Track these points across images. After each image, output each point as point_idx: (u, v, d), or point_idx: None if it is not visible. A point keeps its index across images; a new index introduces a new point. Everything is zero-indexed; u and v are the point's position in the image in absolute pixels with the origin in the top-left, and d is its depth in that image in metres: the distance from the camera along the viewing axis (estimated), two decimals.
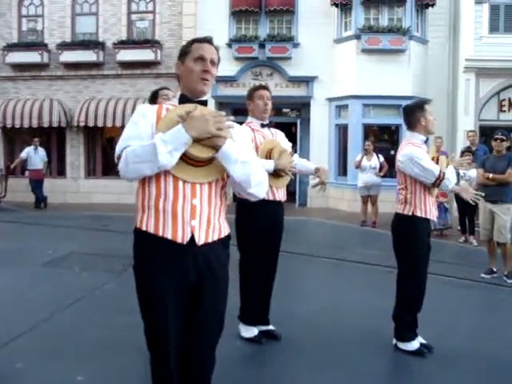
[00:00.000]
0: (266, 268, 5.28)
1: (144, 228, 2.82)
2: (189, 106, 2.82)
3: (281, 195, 5.19)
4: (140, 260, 2.89)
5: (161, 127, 2.75)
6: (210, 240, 2.84)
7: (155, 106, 2.93)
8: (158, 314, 2.84)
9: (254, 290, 5.24)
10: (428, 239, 5.16)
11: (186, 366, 2.92)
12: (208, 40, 3.00)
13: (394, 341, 5.21)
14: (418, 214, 5.03)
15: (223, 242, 2.95)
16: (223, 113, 2.81)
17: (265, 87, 5.29)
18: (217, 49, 3.01)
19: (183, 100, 2.94)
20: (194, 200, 2.77)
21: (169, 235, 2.77)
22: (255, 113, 5.21)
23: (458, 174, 11.08)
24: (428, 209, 5.05)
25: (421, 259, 5.08)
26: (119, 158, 2.75)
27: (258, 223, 5.08)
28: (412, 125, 5.14)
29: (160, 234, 2.78)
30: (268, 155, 5.02)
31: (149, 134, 2.77)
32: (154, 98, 4.98)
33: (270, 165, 4.88)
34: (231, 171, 2.79)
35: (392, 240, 5.26)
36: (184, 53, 2.98)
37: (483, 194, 5.33)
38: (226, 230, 2.97)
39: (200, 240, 2.80)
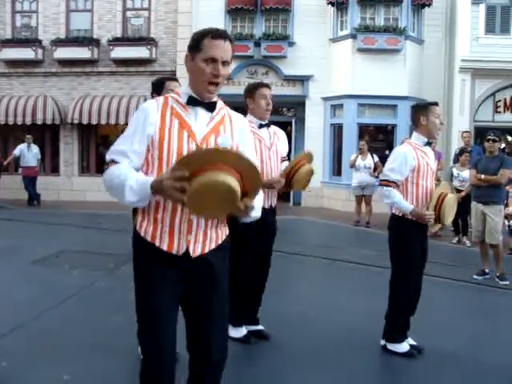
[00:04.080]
0: (257, 270, 5.20)
1: (142, 234, 2.83)
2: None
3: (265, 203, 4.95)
4: (139, 259, 2.90)
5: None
6: (206, 251, 2.84)
7: (160, 108, 2.77)
8: (153, 306, 2.82)
9: (242, 292, 5.18)
10: (422, 242, 5.10)
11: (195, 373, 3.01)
12: (223, 35, 2.73)
13: (383, 342, 5.16)
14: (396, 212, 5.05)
15: (220, 246, 2.92)
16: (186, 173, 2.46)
17: (267, 85, 5.08)
18: (232, 42, 2.77)
19: (190, 102, 2.80)
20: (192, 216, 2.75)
21: (164, 247, 2.79)
22: (256, 112, 5.00)
23: (451, 174, 11.14)
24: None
25: (412, 261, 5.01)
26: (108, 164, 2.78)
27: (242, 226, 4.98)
28: (414, 124, 5.13)
29: (157, 244, 2.80)
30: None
31: (142, 151, 2.74)
32: (159, 89, 4.53)
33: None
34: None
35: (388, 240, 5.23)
36: (194, 47, 2.75)
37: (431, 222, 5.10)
38: (224, 234, 2.96)
39: (195, 253, 2.81)
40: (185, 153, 2.65)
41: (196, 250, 2.80)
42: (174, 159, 2.67)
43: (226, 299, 3.01)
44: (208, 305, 2.90)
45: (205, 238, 2.82)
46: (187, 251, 2.78)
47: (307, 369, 4.71)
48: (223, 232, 2.95)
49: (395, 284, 5.09)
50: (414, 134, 5.11)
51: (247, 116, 5.09)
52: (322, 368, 4.73)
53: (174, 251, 2.78)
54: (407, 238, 4.99)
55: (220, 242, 2.91)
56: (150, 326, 2.83)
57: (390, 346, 5.09)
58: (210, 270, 2.87)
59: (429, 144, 5.10)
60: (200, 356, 2.96)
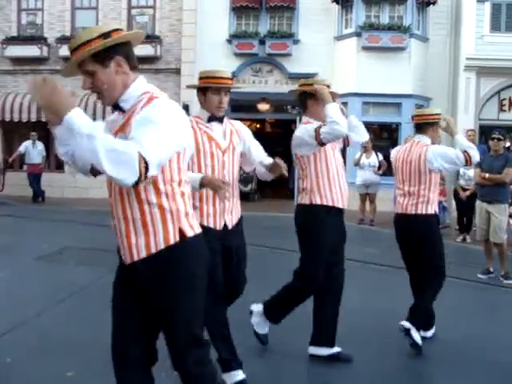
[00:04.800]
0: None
1: None
2: None
3: (340, 201, 4.81)
4: None
5: None
6: (135, 259, 2.68)
7: None
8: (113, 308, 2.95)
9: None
10: None
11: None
12: None
13: (418, 334, 5.00)
14: (437, 210, 5.29)
15: (156, 256, 2.64)
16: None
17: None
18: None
19: None
20: (114, 220, 2.76)
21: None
22: (316, 116, 4.84)
23: (457, 173, 11.12)
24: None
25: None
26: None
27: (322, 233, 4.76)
28: (423, 128, 5.27)
29: None
30: None
31: None
32: None
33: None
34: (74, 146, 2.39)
35: (411, 242, 5.30)
36: None
37: None
38: (160, 242, 2.64)
39: (126, 260, 2.75)
40: None
41: (126, 258, 2.73)
42: None
43: (177, 329, 2.77)
44: (163, 326, 2.82)
45: (129, 245, 2.68)
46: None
47: (307, 368, 4.71)
48: (159, 239, 2.64)
49: (433, 280, 5.35)
50: (422, 137, 5.27)
51: (305, 117, 4.92)
52: (322, 368, 4.73)
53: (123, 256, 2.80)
54: (438, 231, 5.33)
55: (154, 251, 2.64)
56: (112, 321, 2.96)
57: (427, 333, 5.31)
58: (144, 285, 2.72)
59: None
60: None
